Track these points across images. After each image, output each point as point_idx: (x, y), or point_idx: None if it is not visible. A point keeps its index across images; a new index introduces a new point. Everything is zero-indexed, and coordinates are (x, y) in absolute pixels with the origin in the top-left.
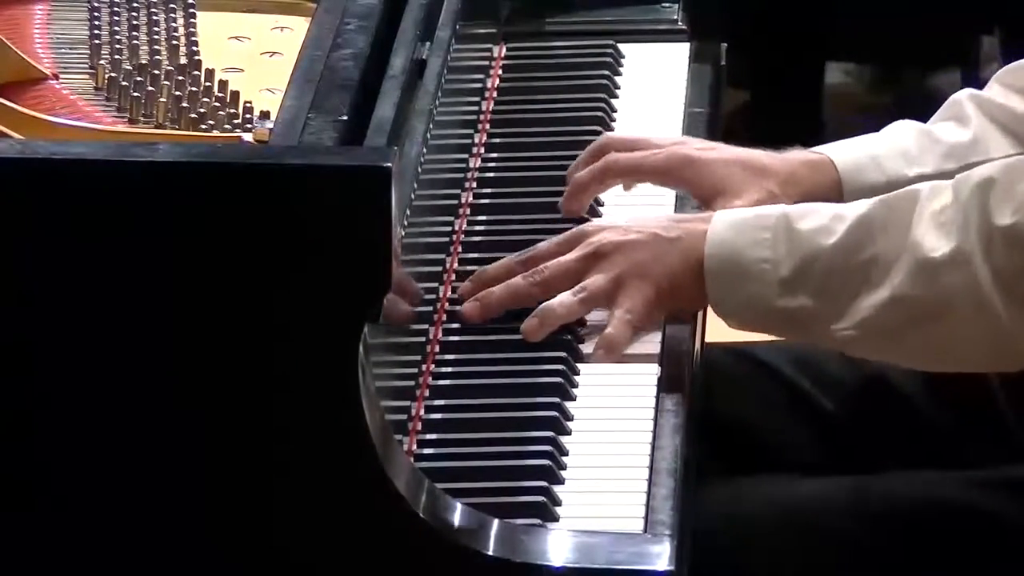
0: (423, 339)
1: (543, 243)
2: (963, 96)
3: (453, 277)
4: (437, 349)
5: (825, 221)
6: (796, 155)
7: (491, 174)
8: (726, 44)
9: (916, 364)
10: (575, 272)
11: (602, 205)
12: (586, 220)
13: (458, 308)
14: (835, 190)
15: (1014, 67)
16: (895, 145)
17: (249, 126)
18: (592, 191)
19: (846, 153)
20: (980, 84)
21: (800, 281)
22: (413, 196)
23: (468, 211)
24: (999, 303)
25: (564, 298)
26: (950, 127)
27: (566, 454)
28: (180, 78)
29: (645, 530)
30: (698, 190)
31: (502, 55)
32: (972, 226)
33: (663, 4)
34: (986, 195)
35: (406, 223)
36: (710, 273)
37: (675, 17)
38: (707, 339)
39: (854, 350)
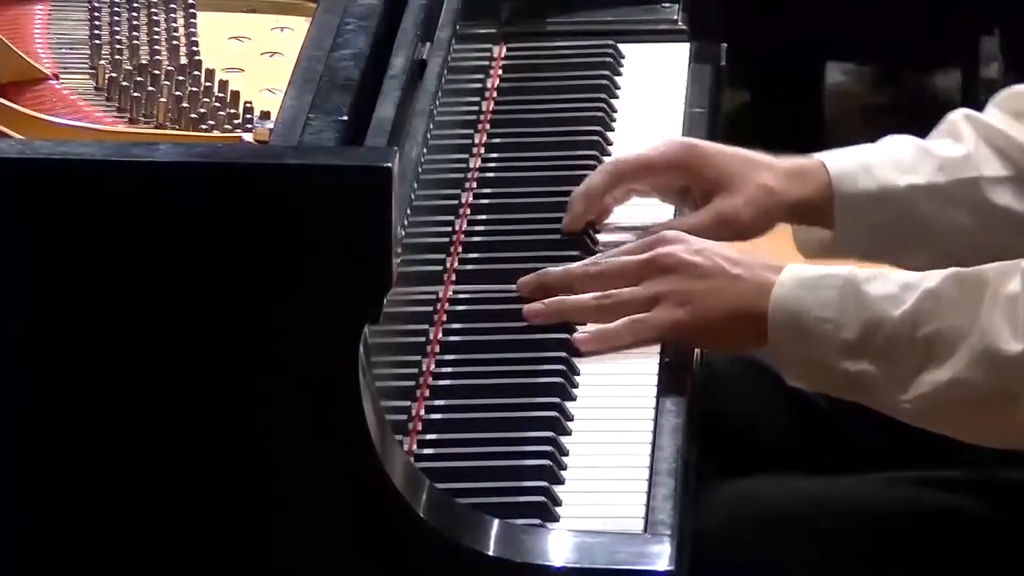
0: (423, 339)
1: (617, 263)
2: (958, 115)
3: (453, 277)
4: (437, 349)
5: (894, 289)
6: (790, 161)
7: (491, 174)
8: (726, 44)
9: (977, 442)
10: (628, 274)
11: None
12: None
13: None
14: (827, 194)
15: (1012, 92)
16: (889, 155)
17: (249, 126)
18: (604, 197)
19: (838, 160)
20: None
21: (863, 346)
22: (413, 196)
23: (468, 211)
24: None
25: (583, 296)
26: (945, 143)
27: (566, 454)
28: (180, 78)
29: (645, 530)
30: (700, 180)
31: (502, 55)
32: None
33: (663, 4)
34: None
35: (406, 223)
36: (774, 328)
37: (675, 17)
38: None
39: (914, 421)
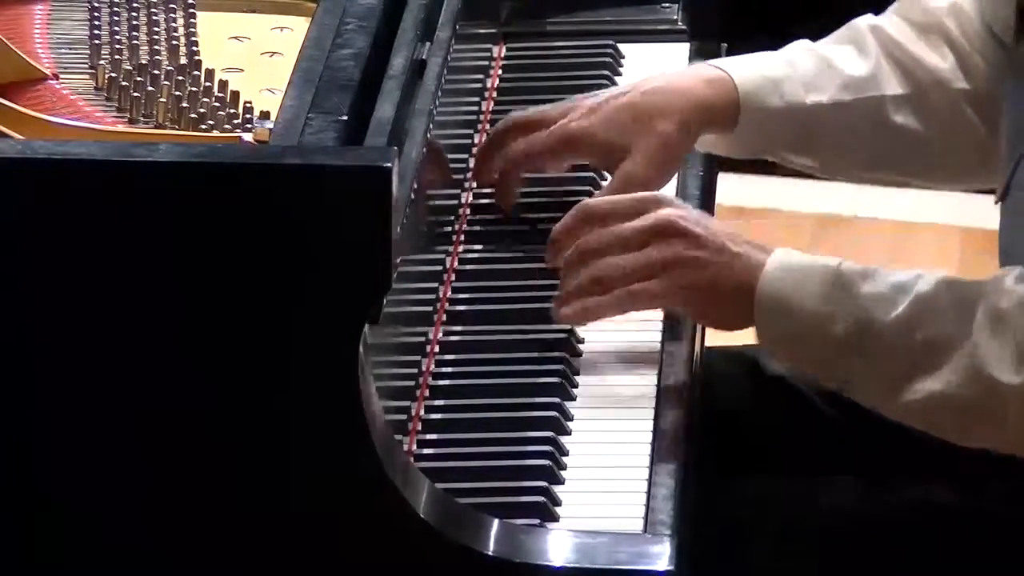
0: (423, 339)
1: (607, 200)
2: (864, 25)
3: (453, 277)
4: (437, 349)
5: (885, 290)
6: (697, 74)
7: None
8: (726, 44)
9: (966, 445)
10: (631, 243)
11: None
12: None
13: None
14: (733, 108)
15: (915, 1)
16: (795, 70)
17: (249, 126)
18: (512, 185)
19: (746, 72)
20: None
21: (854, 345)
22: (413, 196)
23: (468, 211)
24: None
25: (604, 298)
26: (849, 55)
27: (566, 454)
28: (180, 78)
29: (645, 530)
30: (594, 160)
31: (502, 55)
32: None
33: (663, 4)
34: None
35: (406, 223)
36: (760, 311)
37: (675, 17)
38: (706, 343)
39: (902, 421)
